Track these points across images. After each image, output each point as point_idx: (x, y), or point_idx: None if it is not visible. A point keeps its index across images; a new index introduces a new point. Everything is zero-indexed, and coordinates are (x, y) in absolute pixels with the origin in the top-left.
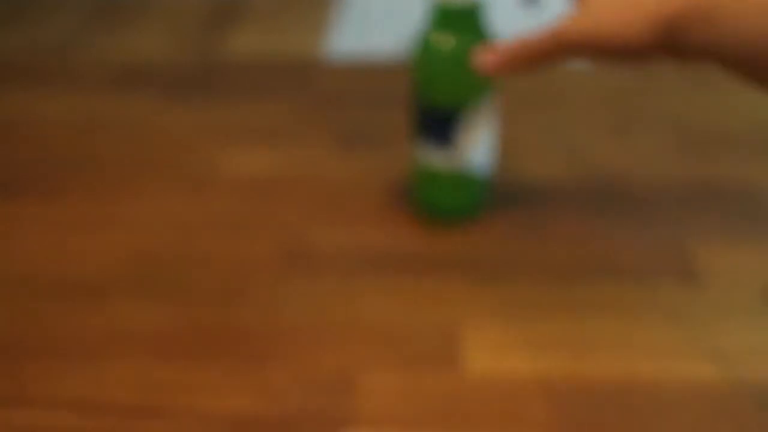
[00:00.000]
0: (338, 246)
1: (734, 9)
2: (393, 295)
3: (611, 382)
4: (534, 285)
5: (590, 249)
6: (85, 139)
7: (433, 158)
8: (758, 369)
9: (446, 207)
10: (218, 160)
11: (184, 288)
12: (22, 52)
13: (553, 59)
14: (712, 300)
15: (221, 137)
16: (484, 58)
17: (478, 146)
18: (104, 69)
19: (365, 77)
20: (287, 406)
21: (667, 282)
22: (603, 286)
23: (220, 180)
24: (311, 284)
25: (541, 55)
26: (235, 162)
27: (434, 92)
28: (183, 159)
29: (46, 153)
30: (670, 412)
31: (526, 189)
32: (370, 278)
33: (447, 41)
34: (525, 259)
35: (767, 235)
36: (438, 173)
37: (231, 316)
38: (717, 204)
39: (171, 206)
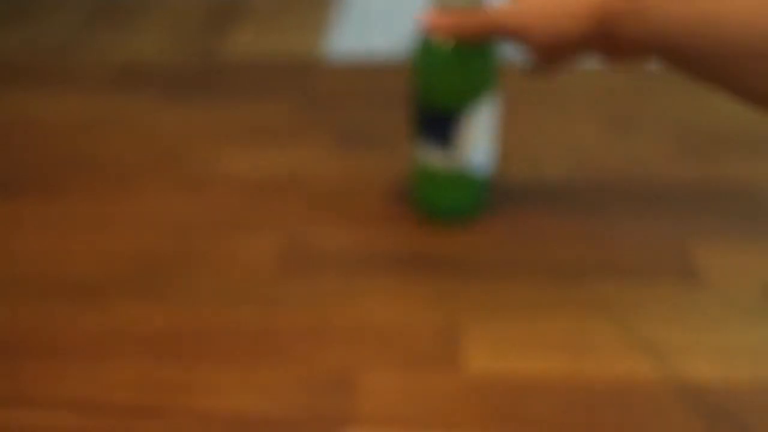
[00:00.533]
0: (338, 246)
1: (661, 3)
2: (393, 295)
3: (611, 382)
4: (534, 285)
5: (590, 249)
6: (85, 139)
7: (433, 158)
8: (758, 369)
9: (446, 207)
10: (218, 160)
11: (184, 288)
12: (22, 52)
13: (488, 39)
14: (712, 300)
15: (221, 137)
16: (427, 17)
17: (477, 146)
18: (104, 69)
19: (365, 77)
20: (287, 406)
21: (667, 282)
22: (603, 286)
23: (220, 180)
24: (311, 284)
25: (477, 35)
26: (235, 162)
27: (434, 93)
28: (183, 159)
29: (46, 153)
30: (670, 411)
31: (525, 189)
32: (370, 278)
33: (447, 42)
34: (525, 259)
35: (767, 235)
36: (437, 173)
37: (231, 316)
38: (717, 204)
39: (171, 206)
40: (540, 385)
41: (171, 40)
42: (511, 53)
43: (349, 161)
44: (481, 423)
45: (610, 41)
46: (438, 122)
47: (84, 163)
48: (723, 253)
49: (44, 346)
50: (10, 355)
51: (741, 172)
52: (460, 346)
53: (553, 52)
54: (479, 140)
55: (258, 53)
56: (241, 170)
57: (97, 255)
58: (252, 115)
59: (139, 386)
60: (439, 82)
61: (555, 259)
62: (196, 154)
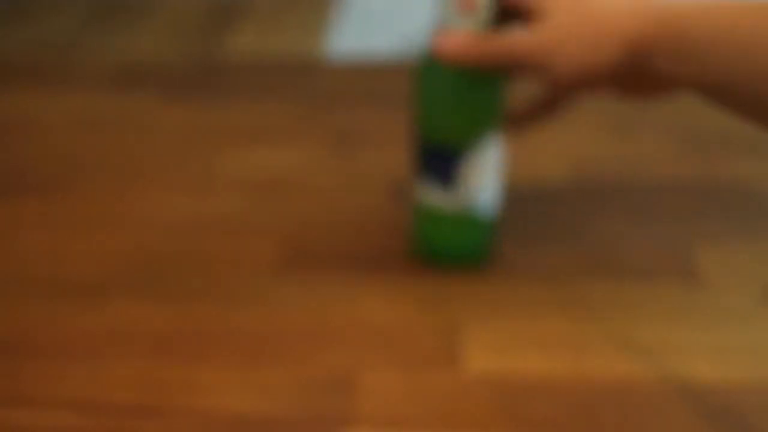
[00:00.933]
0: (338, 246)
1: (704, 38)
2: (393, 295)
3: (611, 382)
4: (534, 285)
5: (591, 249)
6: (85, 139)
7: (435, 198)
8: (758, 368)
9: (448, 251)
10: (218, 160)
11: (184, 288)
12: (22, 52)
13: (507, 70)
14: (712, 300)
15: (221, 137)
16: (442, 41)
17: (484, 186)
18: (104, 69)
19: (365, 77)
20: (287, 406)
21: (667, 282)
22: (603, 285)
23: (220, 180)
24: (311, 284)
25: (493, 63)
26: (235, 162)
27: (438, 126)
28: (183, 159)
29: (46, 153)
30: (670, 411)
31: (525, 189)
32: (370, 278)
33: (451, 69)
34: (525, 259)
35: (767, 235)
36: (439, 215)
37: (231, 316)
38: (717, 204)
39: (171, 206)
40: (540, 385)
41: (171, 40)
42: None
43: (349, 161)
44: (481, 423)
45: (640, 73)
46: (441, 159)
47: (84, 163)
48: (723, 254)
49: (44, 346)
50: (10, 355)
51: (741, 172)
52: (460, 346)
53: (575, 84)
54: (487, 179)
55: (258, 53)
56: (241, 170)
57: (97, 255)
58: (252, 115)
59: (139, 386)
60: (444, 114)
61: (555, 259)
62: (196, 154)
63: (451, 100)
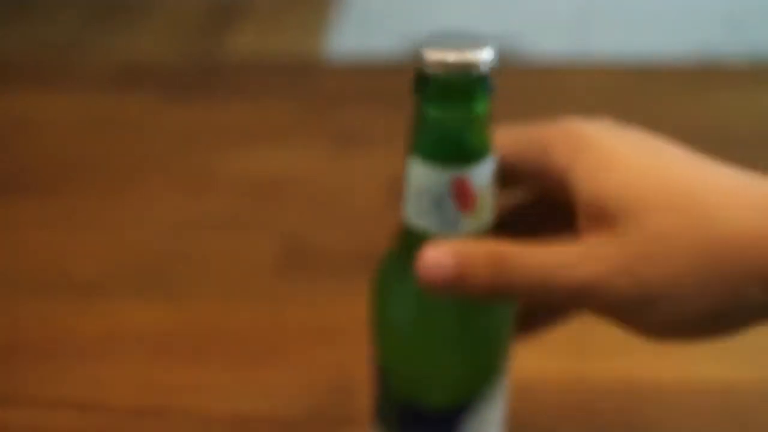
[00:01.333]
0: (338, 245)
1: None
2: None
3: (611, 382)
4: None
5: None
6: (85, 139)
7: None
8: (758, 369)
9: None
10: (218, 160)
11: (184, 288)
12: (22, 51)
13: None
14: None
15: (221, 137)
16: (431, 259)
17: None
18: (104, 69)
19: (365, 77)
20: (287, 406)
21: None
22: None
23: (220, 180)
24: (311, 284)
25: (521, 295)
26: (235, 162)
27: (417, 380)
28: (183, 159)
29: (46, 153)
30: (671, 411)
31: None
32: (370, 277)
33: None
34: None
35: None
36: None
37: (231, 316)
38: None
39: (171, 206)
40: (539, 385)
41: (171, 40)
42: None
43: (349, 161)
44: None
45: None
46: (422, 424)
47: (84, 163)
48: None
49: (44, 346)
50: (10, 355)
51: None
52: None
53: (686, 337)
54: None
55: (258, 53)
56: (241, 170)
57: (96, 255)
58: (252, 115)
59: (139, 386)
60: (429, 364)
61: None
62: (196, 154)
63: (444, 344)
